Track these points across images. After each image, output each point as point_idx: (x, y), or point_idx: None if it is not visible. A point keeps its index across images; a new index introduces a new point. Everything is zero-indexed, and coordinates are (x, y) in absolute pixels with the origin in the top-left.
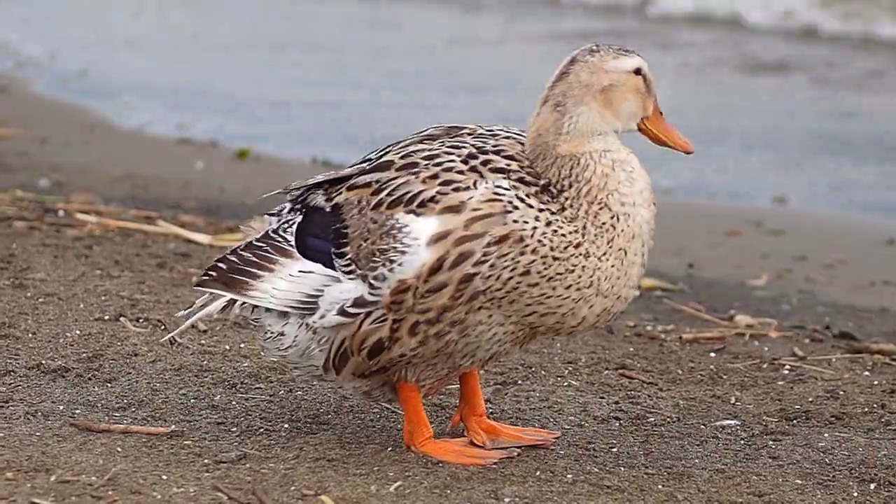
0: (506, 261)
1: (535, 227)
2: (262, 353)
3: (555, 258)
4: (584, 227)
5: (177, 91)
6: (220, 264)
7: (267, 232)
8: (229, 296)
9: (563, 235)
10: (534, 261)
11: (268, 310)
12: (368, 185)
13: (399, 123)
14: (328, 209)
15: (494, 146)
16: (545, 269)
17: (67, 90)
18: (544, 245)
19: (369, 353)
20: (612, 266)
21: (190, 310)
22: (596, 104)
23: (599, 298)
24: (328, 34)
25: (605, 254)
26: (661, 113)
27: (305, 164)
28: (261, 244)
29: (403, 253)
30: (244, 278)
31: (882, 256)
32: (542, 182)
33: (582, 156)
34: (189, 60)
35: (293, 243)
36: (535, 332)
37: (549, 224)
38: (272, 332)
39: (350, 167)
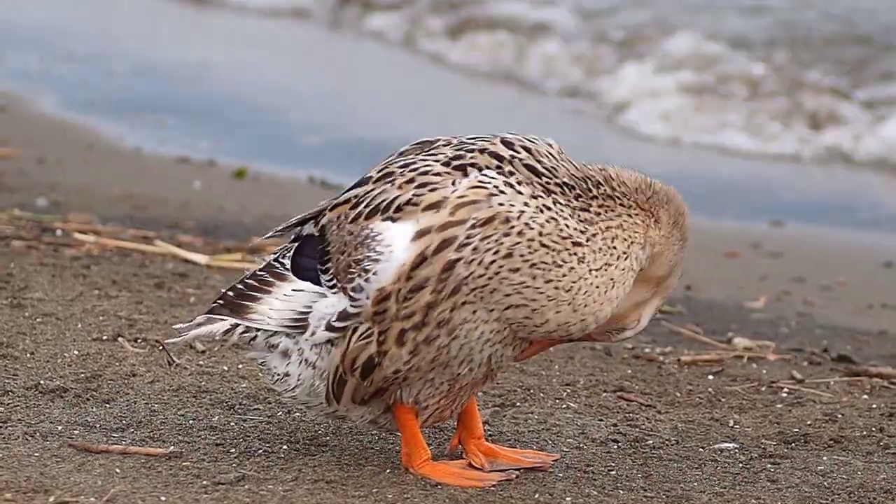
0: (489, 242)
1: (522, 211)
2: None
3: (542, 244)
4: (594, 236)
5: None
6: (229, 292)
7: (268, 261)
8: (231, 320)
9: (563, 228)
10: (518, 243)
11: (270, 349)
12: (347, 201)
13: None
14: (316, 233)
15: (494, 143)
16: (529, 253)
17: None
18: (532, 229)
19: (362, 373)
20: (597, 287)
21: (189, 324)
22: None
23: (568, 309)
24: None
25: (598, 269)
26: None
27: (303, 184)
28: (261, 272)
29: (377, 261)
30: (246, 303)
31: (881, 279)
32: (563, 179)
33: (650, 229)
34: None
35: (289, 267)
36: (514, 332)
37: (545, 210)
38: (278, 374)
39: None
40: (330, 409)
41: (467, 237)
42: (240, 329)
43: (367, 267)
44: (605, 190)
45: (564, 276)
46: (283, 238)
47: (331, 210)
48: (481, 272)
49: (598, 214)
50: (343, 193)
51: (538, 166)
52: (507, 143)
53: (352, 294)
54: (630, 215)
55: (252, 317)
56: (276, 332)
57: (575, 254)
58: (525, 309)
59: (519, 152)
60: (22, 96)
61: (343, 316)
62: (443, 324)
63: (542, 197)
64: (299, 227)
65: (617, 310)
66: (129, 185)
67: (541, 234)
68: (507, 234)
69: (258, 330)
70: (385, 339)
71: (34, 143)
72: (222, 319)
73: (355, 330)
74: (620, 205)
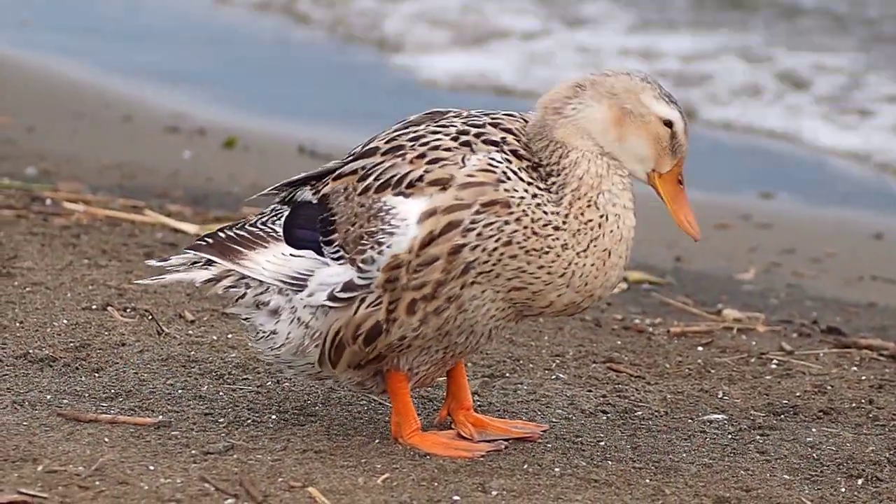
0: (492, 230)
1: (522, 198)
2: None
3: (534, 232)
4: (567, 217)
5: None
6: (218, 233)
7: (255, 222)
8: (220, 266)
9: (545, 213)
10: (517, 230)
11: (258, 307)
12: (355, 172)
13: None
14: (315, 202)
15: (492, 120)
16: (524, 240)
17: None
18: (527, 216)
19: (366, 340)
20: (593, 265)
21: (167, 262)
22: (607, 114)
23: (569, 291)
24: None
25: (585, 250)
26: (681, 182)
27: (293, 153)
28: (254, 227)
29: (392, 234)
30: (239, 248)
31: (870, 251)
32: (535, 159)
33: (573, 150)
34: None
35: (281, 235)
36: (520, 311)
37: (535, 196)
38: (263, 332)
39: (335, 162)
40: (313, 370)
41: (472, 222)
42: (226, 282)
43: (382, 240)
44: (539, 145)
45: (553, 261)
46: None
47: (334, 180)
48: (485, 258)
49: (557, 193)
50: (346, 163)
51: (521, 150)
52: (506, 129)
53: (361, 265)
54: (579, 177)
55: (246, 263)
56: (266, 290)
57: (557, 239)
58: (526, 292)
59: (515, 134)
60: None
61: (348, 286)
62: (452, 299)
63: (533, 182)
64: (292, 191)
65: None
66: (118, 155)
67: (532, 220)
68: (507, 222)
69: (247, 287)
70: (395, 308)
71: (22, 111)
72: (206, 267)
73: (363, 300)
74: (557, 173)
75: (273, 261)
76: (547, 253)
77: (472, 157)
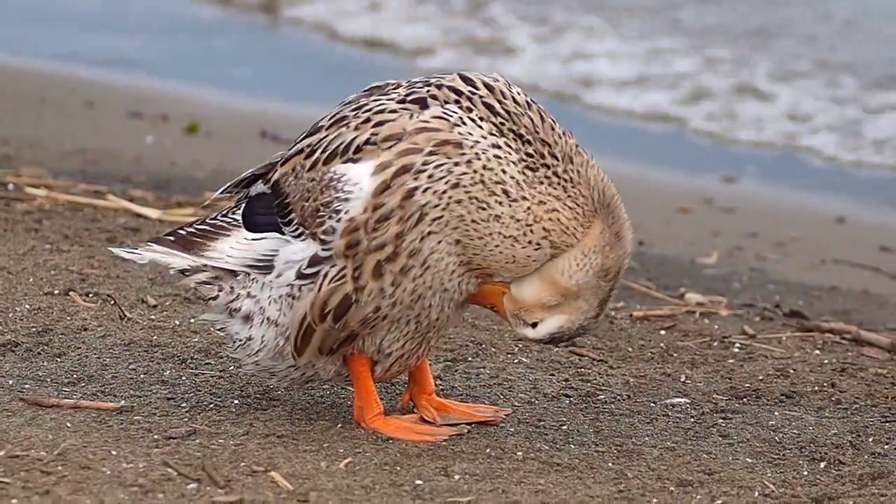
0: (442, 171)
1: (477, 142)
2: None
3: (481, 179)
4: (522, 200)
5: None
6: (179, 230)
7: (215, 216)
8: (189, 259)
9: (504, 170)
10: (465, 173)
11: (231, 314)
12: (301, 151)
13: None
14: (268, 191)
15: (451, 79)
16: (471, 185)
17: None
18: (479, 160)
19: (335, 316)
20: (501, 253)
21: (131, 251)
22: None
23: (477, 258)
24: None
25: (506, 238)
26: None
27: (255, 138)
28: (213, 220)
29: (347, 200)
30: (201, 241)
31: (833, 234)
32: (519, 130)
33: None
34: None
35: (241, 222)
36: (470, 269)
37: (496, 147)
38: (240, 339)
39: (280, 153)
40: (296, 373)
41: (423, 163)
42: (200, 276)
43: (338, 208)
44: (560, 167)
45: (484, 221)
46: (234, 196)
47: (283, 165)
48: (436, 202)
49: (542, 183)
50: (292, 147)
51: (497, 106)
52: (467, 79)
53: (323, 238)
54: (565, 208)
55: (210, 255)
56: (236, 297)
57: (501, 203)
58: (466, 246)
59: (479, 89)
60: None
61: (314, 260)
62: (414, 253)
63: (495, 136)
64: (247, 189)
65: (520, 295)
66: (81, 140)
67: (484, 167)
68: (457, 164)
69: (219, 290)
70: (360, 275)
71: None
72: (180, 255)
73: (326, 274)
74: (563, 190)
75: (237, 247)
76: (484, 209)
77: (424, 111)
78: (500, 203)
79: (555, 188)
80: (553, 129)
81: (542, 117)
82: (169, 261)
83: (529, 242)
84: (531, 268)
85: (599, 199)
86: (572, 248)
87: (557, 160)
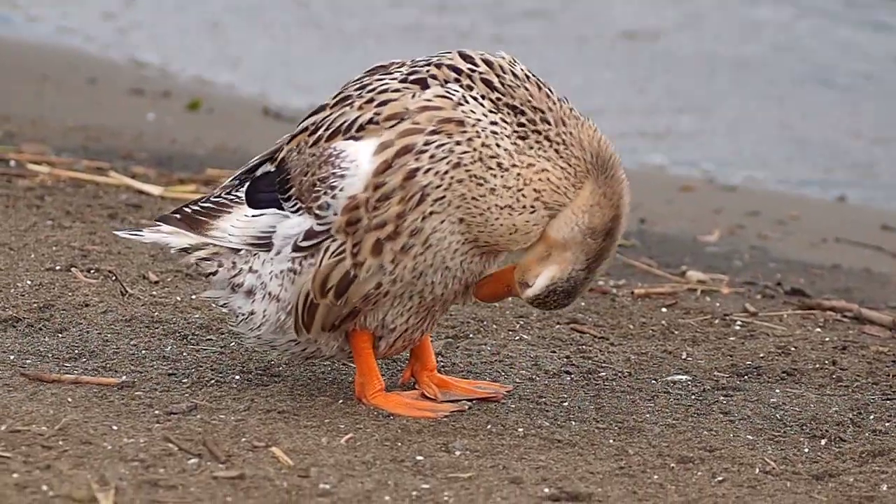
0: (444, 151)
1: (479, 120)
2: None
3: (480, 157)
4: (512, 168)
5: None
6: (185, 208)
7: (219, 194)
8: (195, 238)
9: (498, 144)
10: (466, 152)
11: (233, 290)
12: (305, 129)
13: None
14: (273, 169)
15: (450, 57)
16: (471, 164)
17: None
18: (479, 138)
19: (336, 292)
20: (502, 225)
21: (136, 233)
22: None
23: (483, 234)
24: None
25: (502, 209)
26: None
27: (258, 115)
28: (216, 198)
29: (343, 177)
30: (205, 219)
31: (834, 213)
32: (514, 102)
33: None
34: None
35: (244, 199)
36: (482, 249)
37: (494, 125)
38: (242, 314)
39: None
40: (297, 347)
41: (425, 143)
42: (200, 253)
43: (334, 184)
44: (553, 130)
45: (482, 196)
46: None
47: (288, 143)
48: (438, 182)
49: (531, 148)
50: (298, 125)
51: (495, 81)
52: (466, 57)
53: (318, 213)
54: (556, 167)
55: (213, 233)
56: (238, 272)
57: (495, 175)
58: (469, 224)
59: (478, 66)
60: None
61: (309, 234)
62: (416, 233)
63: (493, 113)
64: (255, 172)
65: (522, 260)
66: (82, 117)
67: (483, 143)
68: (458, 143)
69: (219, 266)
70: (359, 251)
71: None
72: (183, 233)
73: (326, 249)
74: (555, 152)
75: (238, 224)
76: (481, 185)
77: (426, 91)
78: (495, 176)
79: (545, 150)
80: (549, 96)
81: (538, 87)
82: (169, 240)
83: (524, 207)
84: (534, 233)
85: (593, 160)
86: (565, 208)
87: (549, 124)
